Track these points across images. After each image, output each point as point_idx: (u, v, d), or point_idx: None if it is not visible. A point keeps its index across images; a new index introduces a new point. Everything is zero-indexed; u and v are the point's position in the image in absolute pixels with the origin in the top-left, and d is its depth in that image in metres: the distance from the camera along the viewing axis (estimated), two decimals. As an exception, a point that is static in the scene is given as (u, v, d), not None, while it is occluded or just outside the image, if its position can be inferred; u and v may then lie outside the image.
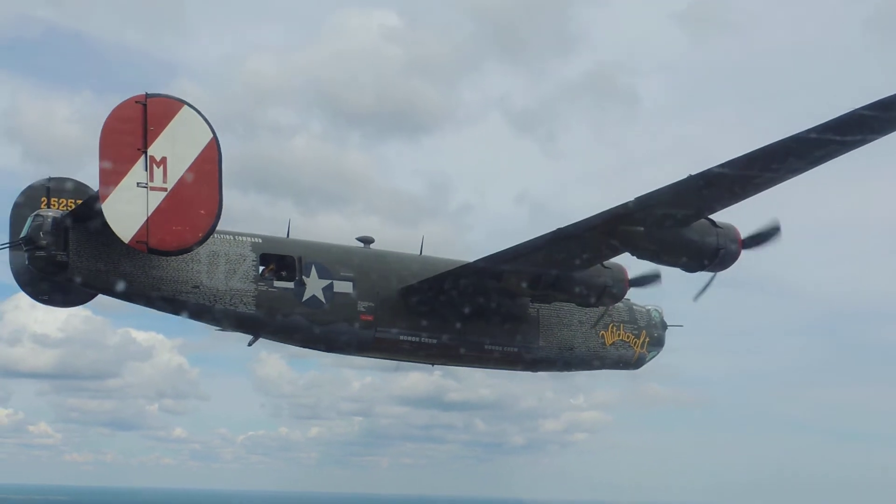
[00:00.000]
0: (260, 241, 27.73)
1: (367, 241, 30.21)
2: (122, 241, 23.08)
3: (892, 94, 21.01)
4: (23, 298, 27.05)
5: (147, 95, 23.10)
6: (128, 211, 22.70)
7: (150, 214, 22.80)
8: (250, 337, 28.87)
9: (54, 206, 27.22)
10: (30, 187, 27.69)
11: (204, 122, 23.46)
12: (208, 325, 27.99)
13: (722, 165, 23.67)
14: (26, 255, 25.03)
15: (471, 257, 29.16)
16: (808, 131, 22.23)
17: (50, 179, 27.79)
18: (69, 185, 27.81)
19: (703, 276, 27.66)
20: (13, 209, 27.53)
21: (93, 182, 27.56)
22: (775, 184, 24.55)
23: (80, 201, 27.49)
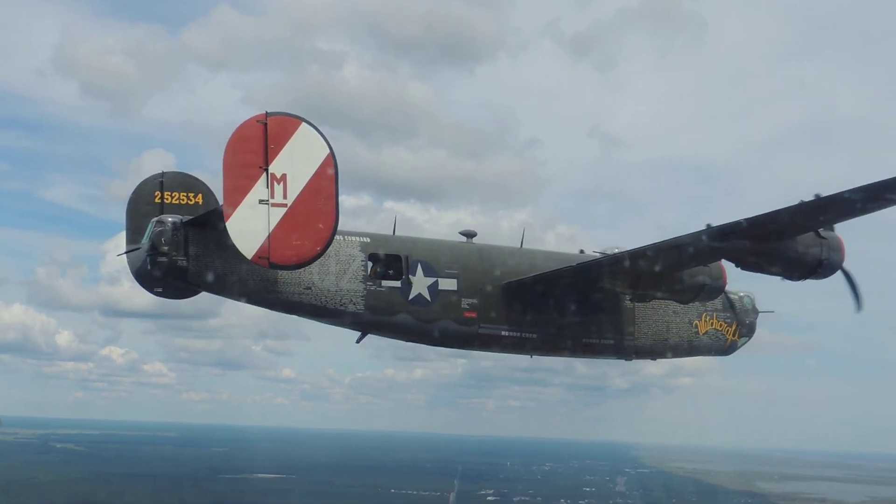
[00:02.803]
0: (368, 240, 28.69)
1: (469, 234, 31.01)
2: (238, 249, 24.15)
3: None
4: (122, 238, 28.63)
5: (267, 114, 23.87)
6: (250, 228, 23.55)
7: (271, 231, 23.61)
8: (358, 333, 29.80)
9: (168, 199, 28.57)
10: (143, 182, 28.98)
11: (321, 137, 24.17)
12: (318, 323, 29.01)
13: (838, 195, 24.13)
14: (148, 259, 26.18)
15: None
16: None
17: (163, 174, 29.03)
18: (181, 179, 29.14)
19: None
20: (129, 204, 28.83)
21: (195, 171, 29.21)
22: (890, 206, 24.86)
23: (191, 194, 28.75)
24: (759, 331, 35.44)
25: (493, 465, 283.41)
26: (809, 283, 29.23)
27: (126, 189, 29.53)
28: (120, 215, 28.95)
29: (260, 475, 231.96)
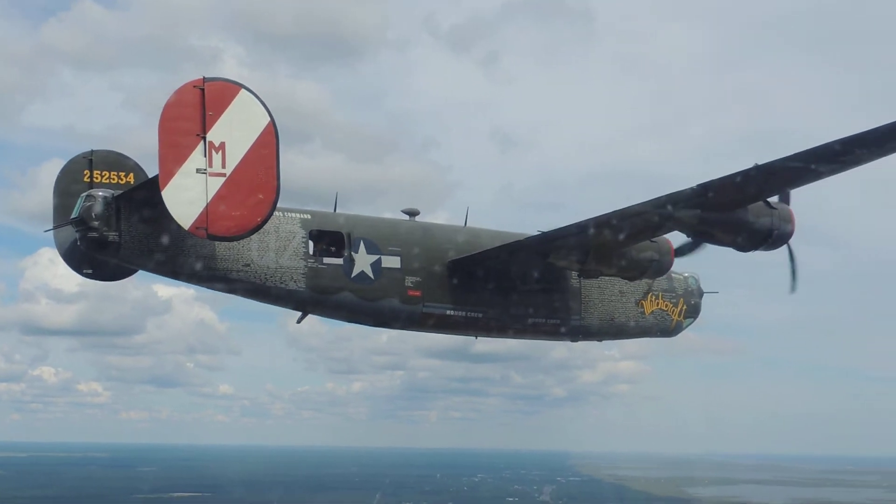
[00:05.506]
0: (309, 216, 27.80)
1: (412, 213, 30.27)
2: (173, 222, 23.11)
3: None
4: (41, 255, 27.36)
5: (205, 79, 22.90)
6: (188, 197, 22.56)
7: (209, 200, 22.65)
8: (299, 313, 28.86)
9: (97, 178, 27.30)
10: (71, 161, 27.68)
11: (261, 105, 23.23)
12: (258, 303, 28.00)
13: (792, 157, 23.82)
14: (77, 234, 25.05)
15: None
16: (890, 125, 22.25)
17: (92, 152, 27.74)
18: (111, 158, 27.81)
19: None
20: (56, 183, 27.55)
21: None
22: (844, 170, 24.63)
23: (122, 174, 27.54)
24: (692, 336, 35.08)
25: (421, 478, 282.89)
26: (741, 285, 28.97)
27: (29, 202, 28.19)
28: (28, 228, 27.65)
29: (175, 494, 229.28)
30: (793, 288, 30.18)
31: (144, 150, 27.48)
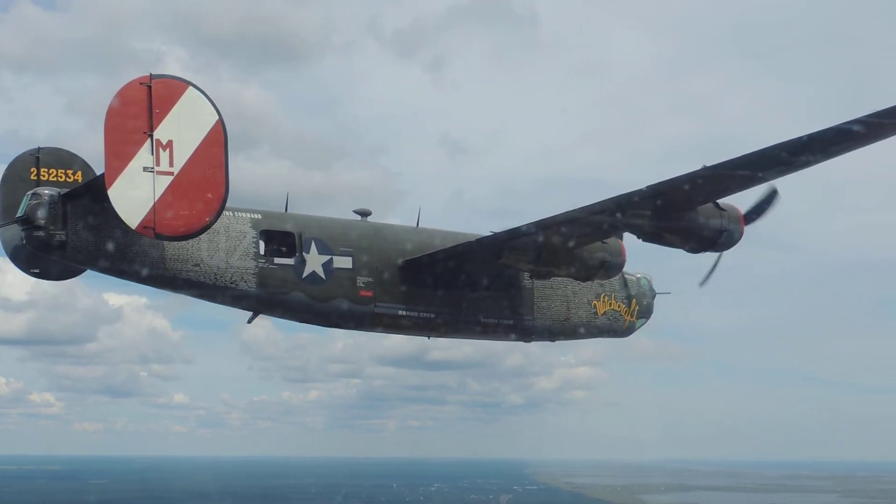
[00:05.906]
0: (259, 216, 27.57)
1: (364, 213, 30.17)
2: (121, 221, 22.71)
3: None
4: None
5: (152, 76, 22.65)
6: (135, 196, 22.28)
7: (157, 199, 22.38)
8: (249, 314, 28.69)
9: (44, 176, 27.04)
10: (17, 158, 27.40)
11: (209, 103, 23.03)
12: (209, 303, 27.76)
13: (739, 159, 24.12)
14: (23, 233, 24.65)
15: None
16: (833, 128, 22.88)
17: (39, 149, 27.47)
18: (58, 155, 27.59)
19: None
20: (1, 181, 27.30)
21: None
22: (790, 172, 25.11)
23: (69, 171, 27.28)
24: (647, 341, 35.56)
25: (378, 488, 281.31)
26: (695, 293, 30.74)
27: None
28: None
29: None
30: (701, 284, 30.85)
31: (90, 154, 27.28)
